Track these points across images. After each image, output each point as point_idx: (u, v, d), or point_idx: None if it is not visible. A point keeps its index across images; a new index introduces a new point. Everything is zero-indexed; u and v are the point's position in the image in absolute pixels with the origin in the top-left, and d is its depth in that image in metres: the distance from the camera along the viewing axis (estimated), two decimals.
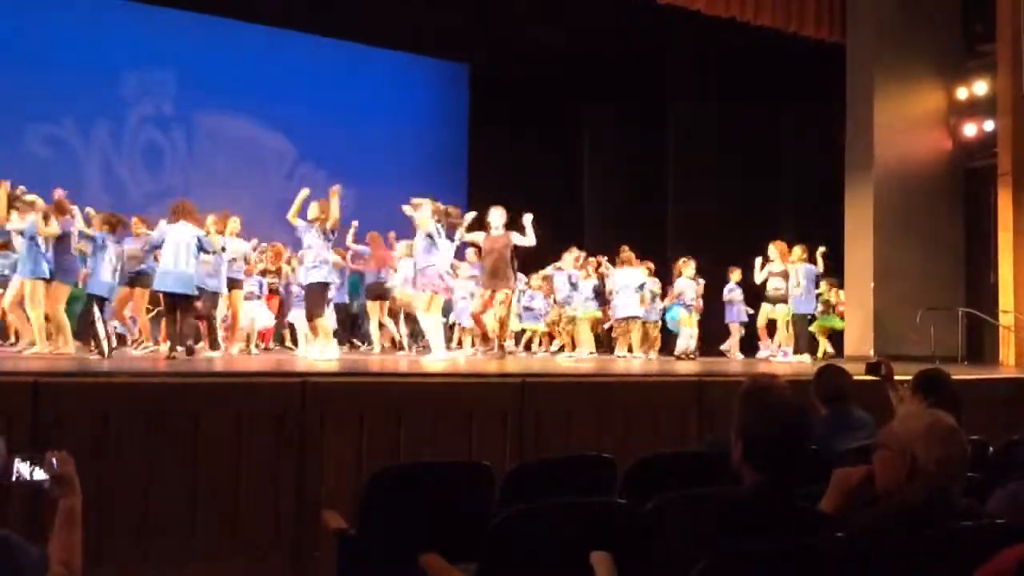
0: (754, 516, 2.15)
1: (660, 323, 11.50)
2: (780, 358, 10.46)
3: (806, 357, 10.41)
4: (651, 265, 11.20)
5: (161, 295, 7.80)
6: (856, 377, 4.94)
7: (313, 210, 7.81)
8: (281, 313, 10.62)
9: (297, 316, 9.76)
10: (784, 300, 10.43)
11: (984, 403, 6.67)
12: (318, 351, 7.79)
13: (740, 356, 11.12)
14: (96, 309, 7.43)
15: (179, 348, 7.40)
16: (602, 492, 3.17)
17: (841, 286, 12.32)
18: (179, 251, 7.44)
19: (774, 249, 10.54)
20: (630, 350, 10.71)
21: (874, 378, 5.38)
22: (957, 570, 1.86)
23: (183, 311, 7.56)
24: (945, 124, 13.00)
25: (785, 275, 10.41)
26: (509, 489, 3.21)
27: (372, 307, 10.51)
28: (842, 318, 12.18)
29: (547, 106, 15.35)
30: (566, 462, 3.59)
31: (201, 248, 7.62)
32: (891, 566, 2.06)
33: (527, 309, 11.75)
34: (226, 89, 14.33)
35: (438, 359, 7.71)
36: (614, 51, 14.39)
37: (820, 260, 10.58)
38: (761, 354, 10.94)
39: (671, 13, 12.02)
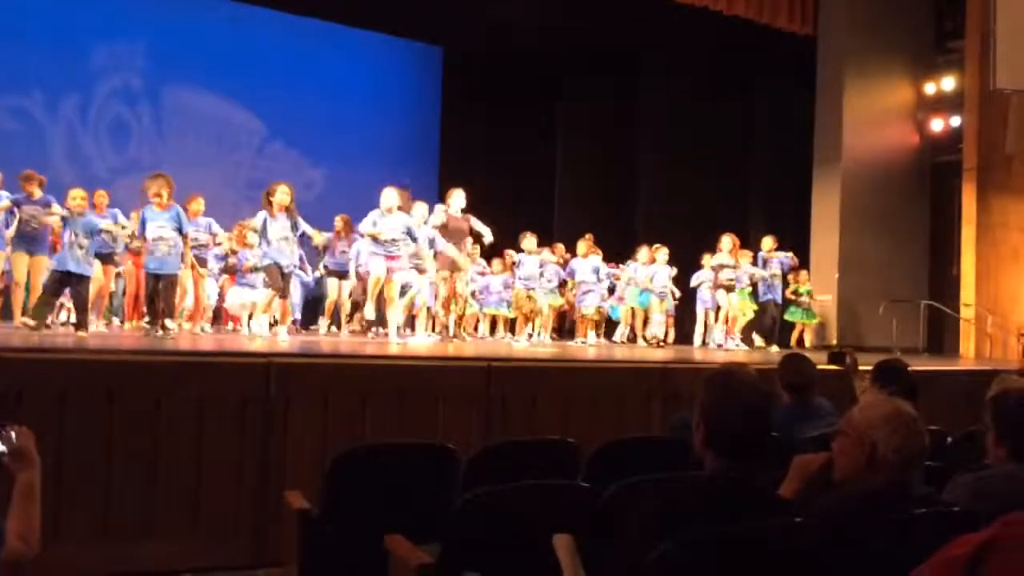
0: (714, 501, 2.17)
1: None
2: (728, 344, 10.62)
3: (773, 348, 10.53)
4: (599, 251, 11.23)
5: (147, 275, 7.65)
6: (820, 366, 5.02)
7: (284, 196, 7.68)
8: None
9: (239, 297, 9.60)
10: (734, 288, 10.60)
11: (944, 394, 6.78)
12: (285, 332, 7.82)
13: (707, 343, 11.20)
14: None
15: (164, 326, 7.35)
16: (565, 476, 3.19)
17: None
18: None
19: (728, 240, 10.62)
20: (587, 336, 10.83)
21: (837, 367, 5.46)
22: (913, 555, 1.88)
23: (168, 290, 7.51)
24: (913, 119, 13.14)
25: (735, 266, 10.58)
26: (473, 471, 3.22)
27: (333, 286, 10.48)
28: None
29: (520, 90, 15.30)
30: (530, 445, 3.61)
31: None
32: (849, 551, 2.09)
33: (490, 293, 11.73)
34: (196, 65, 14.12)
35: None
36: (588, 35, 14.36)
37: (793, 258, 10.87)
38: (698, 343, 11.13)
39: (644, 1, 12.02)
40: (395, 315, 8.16)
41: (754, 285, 11.09)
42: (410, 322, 10.32)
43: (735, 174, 14.24)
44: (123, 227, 8.53)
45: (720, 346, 10.69)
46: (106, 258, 8.49)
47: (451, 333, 8.94)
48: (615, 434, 3.84)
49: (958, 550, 1.72)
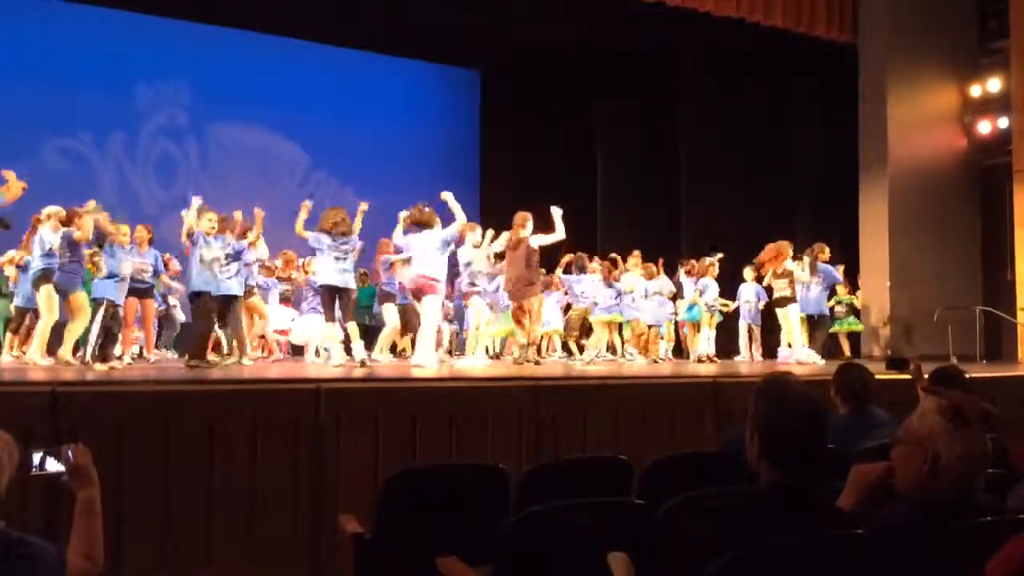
0: (771, 513, 2.13)
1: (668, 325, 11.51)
2: (787, 357, 10.44)
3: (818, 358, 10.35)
4: (652, 267, 11.14)
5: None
6: (877, 376, 4.92)
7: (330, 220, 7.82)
8: None
9: (311, 323, 9.67)
10: (788, 301, 10.38)
11: (1004, 401, 6.61)
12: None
13: (748, 356, 11.07)
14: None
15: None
16: (618, 493, 3.16)
17: (855, 288, 12.30)
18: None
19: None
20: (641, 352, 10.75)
21: (899, 375, 5.31)
22: (978, 565, 1.83)
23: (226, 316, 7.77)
24: (959, 122, 12.91)
25: (785, 275, 10.40)
26: (525, 491, 3.20)
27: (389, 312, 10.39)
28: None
29: (558, 110, 15.35)
30: (581, 464, 3.58)
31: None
32: (911, 561, 2.04)
33: None
34: (238, 99, 14.41)
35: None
36: (625, 53, 14.40)
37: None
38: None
39: (682, 14, 12.00)
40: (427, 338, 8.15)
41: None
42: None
43: (780, 184, 14.09)
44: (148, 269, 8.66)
45: (798, 360, 10.53)
46: (144, 292, 8.57)
47: (528, 356, 8.89)
48: (668, 450, 3.80)
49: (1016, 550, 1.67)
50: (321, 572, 4.40)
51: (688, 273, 11.31)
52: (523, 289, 8.72)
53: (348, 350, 7.99)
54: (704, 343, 10.83)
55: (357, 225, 8.04)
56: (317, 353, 9.82)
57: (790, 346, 10.28)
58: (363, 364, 7.56)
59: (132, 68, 13.77)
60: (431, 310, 7.92)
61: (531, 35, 13.89)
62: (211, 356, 7.82)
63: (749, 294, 11.08)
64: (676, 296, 11.43)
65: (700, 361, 10.56)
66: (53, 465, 2.40)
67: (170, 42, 13.82)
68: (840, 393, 4.17)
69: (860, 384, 4.17)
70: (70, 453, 2.39)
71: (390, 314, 9.99)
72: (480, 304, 9.62)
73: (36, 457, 2.40)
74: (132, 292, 8.20)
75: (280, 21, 13.93)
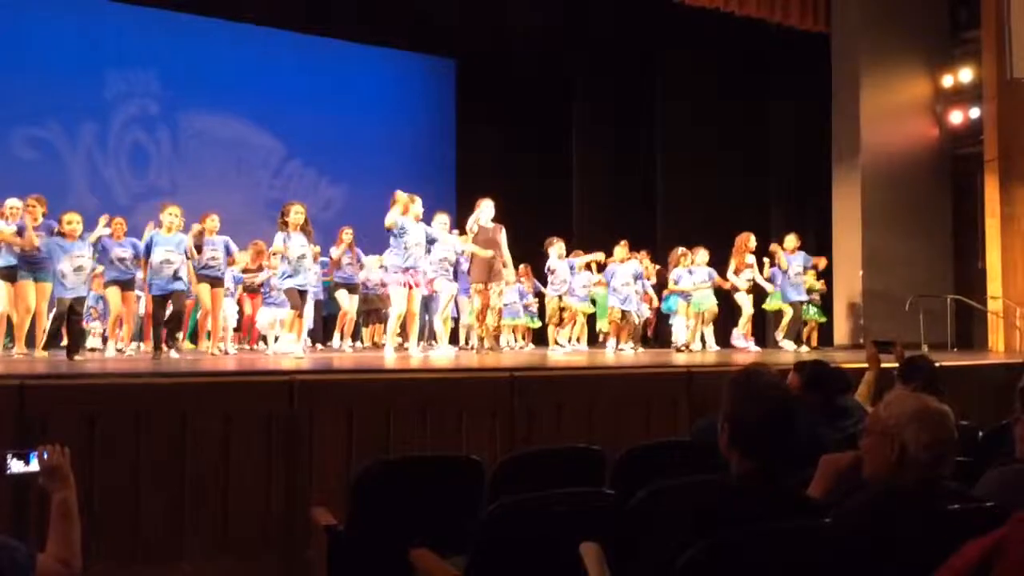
0: (742, 503, 2.14)
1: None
2: (752, 346, 10.57)
3: (803, 347, 10.46)
4: (637, 255, 11.16)
5: (155, 298, 7.87)
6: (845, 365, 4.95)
7: (298, 215, 7.76)
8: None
9: (270, 316, 9.70)
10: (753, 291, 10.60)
11: (974, 389, 6.70)
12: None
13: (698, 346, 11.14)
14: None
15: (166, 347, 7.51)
16: (591, 483, 3.17)
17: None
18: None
19: (753, 240, 10.61)
20: (618, 342, 10.75)
21: (891, 362, 5.30)
22: (945, 553, 1.85)
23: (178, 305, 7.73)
24: (931, 111, 13.03)
25: (756, 266, 10.54)
26: (498, 482, 3.20)
27: (343, 299, 10.52)
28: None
29: (535, 98, 15.30)
30: (554, 454, 3.59)
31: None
32: (880, 549, 2.06)
33: (504, 304, 11.71)
34: (212, 88, 14.24)
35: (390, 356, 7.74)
36: (601, 44, 14.39)
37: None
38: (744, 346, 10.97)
39: (656, 5, 12.01)
40: (415, 328, 8.17)
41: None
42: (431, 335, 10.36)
43: (754, 174, 14.15)
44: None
45: (740, 347, 10.65)
46: (125, 284, 8.52)
47: (487, 345, 8.89)
48: (642, 440, 3.81)
49: (968, 556, 1.68)
50: (295, 566, 4.38)
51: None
52: (488, 274, 8.69)
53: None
54: (681, 332, 10.85)
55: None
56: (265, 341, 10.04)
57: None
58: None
59: (102, 57, 13.56)
60: (418, 302, 8.11)
61: (506, 23, 13.84)
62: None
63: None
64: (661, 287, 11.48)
65: (678, 351, 10.59)
66: (26, 466, 2.35)
67: (140, 30, 13.64)
68: (813, 383, 4.16)
69: (829, 375, 4.19)
70: (44, 454, 2.34)
71: (343, 300, 10.38)
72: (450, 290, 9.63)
73: (9, 457, 2.35)
74: (116, 283, 8.26)
75: (253, 9, 13.78)
